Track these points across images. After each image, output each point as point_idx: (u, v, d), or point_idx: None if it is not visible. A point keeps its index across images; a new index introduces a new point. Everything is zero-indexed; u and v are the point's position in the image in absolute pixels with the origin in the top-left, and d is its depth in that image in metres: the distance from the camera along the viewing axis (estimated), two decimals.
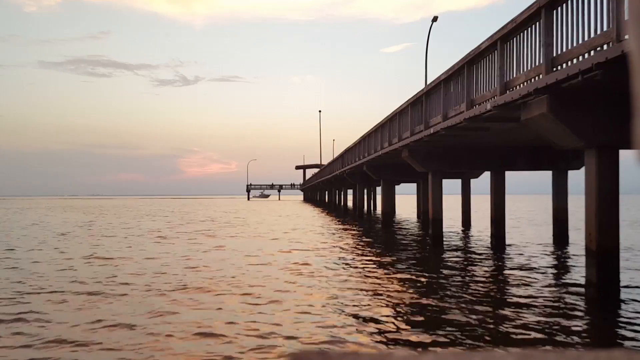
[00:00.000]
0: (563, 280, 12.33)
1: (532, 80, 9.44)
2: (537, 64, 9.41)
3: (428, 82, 16.79)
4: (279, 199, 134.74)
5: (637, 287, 11.16)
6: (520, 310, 8.97)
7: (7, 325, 8.08)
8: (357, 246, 19.56)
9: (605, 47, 7.47)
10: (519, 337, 7.42)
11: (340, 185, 53.97)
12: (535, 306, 9.34)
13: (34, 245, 20.67)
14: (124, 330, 7.79)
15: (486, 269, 14.12)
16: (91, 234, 26.80)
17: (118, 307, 9.34)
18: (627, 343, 7.30)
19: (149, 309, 9.10)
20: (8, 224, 36.36)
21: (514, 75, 10.38)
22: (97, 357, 6.64)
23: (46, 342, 7.20)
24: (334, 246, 19.61)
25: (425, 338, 7.37)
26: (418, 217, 36.08)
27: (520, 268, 13.99)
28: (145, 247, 20.02)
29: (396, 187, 45.54)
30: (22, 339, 7.41)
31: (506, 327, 7.90)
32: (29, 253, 18.10)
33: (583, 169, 9.95)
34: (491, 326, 7.98)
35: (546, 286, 11.43)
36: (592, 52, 7.80)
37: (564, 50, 8.60)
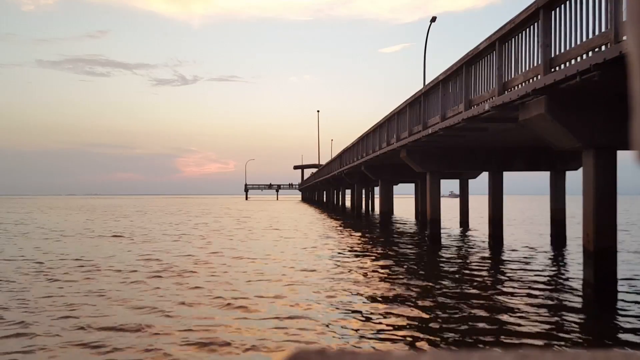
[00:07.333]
0: (560, 281, 12.35)
1: (530, 81, 9.45)
2: (535, 64, 9.42)
3: (426, 83, 16.79)
4: (277, 199, 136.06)
5: (634, 287, 11.18)
6: (517, 310, 8.98)
7: None
8: (355, 246, 19.56)
9: (603, 48, 7.48)
10: (516, 337, 7.43)
11: (339, 185, 53.97)
12: (533, 306, 9.34)
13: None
14: None
15: (483, 269, 14.13)
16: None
17: None
18: (624, 343, 7.31)
19: None
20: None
21: (512, 76, 10.38)
22: None
23: None
24: (333, 246, 19.60)
25: (423, 338, 7.38)
26: (416, 217, 36.10)
27: (518, 268, 14.01)
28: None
29: (394, 187, 45.64)
30: None
31: (503, 327, 7.90)
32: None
33: (581, 169, 9.96)
34: (488, 326, 7.98)
35: (544, 286, 11.45)
36: (590, 53, 7.81)
37: (562, 51, 8.61)
